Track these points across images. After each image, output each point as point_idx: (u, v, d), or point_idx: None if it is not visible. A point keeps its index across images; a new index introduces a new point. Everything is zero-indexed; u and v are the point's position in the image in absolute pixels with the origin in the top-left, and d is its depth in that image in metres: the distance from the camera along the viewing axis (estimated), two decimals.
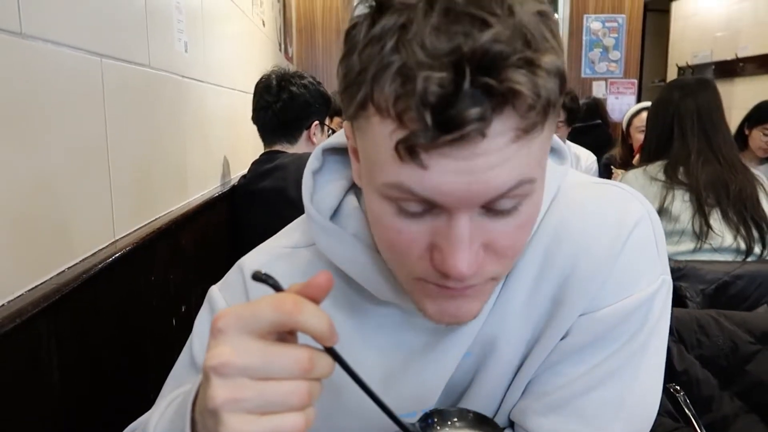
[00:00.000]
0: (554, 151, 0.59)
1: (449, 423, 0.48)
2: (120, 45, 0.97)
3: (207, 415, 0.38)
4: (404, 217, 0.44)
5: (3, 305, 0.64)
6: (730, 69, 5.67)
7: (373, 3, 0.42)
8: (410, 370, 0.58)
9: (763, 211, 1.54)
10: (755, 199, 1.54)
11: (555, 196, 0.57)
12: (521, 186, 0.42)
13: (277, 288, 0.39)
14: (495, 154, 0.39)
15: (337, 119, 2.57)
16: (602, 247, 0.54)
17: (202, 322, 0.62)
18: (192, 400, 0.43)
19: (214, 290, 0.63)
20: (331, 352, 0.39)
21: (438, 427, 0.47)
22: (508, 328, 0.57)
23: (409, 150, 0.39)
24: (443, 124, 0.37)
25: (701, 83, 1.67)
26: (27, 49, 0.70)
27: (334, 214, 0.58)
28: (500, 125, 0.39)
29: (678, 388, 1.06)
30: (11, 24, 0.66)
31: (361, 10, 0.43)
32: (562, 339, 0.56)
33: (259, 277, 0.39)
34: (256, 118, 1.72)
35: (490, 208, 0.43)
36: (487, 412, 0.63)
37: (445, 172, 0.40)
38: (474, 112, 0.37)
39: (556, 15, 0.45)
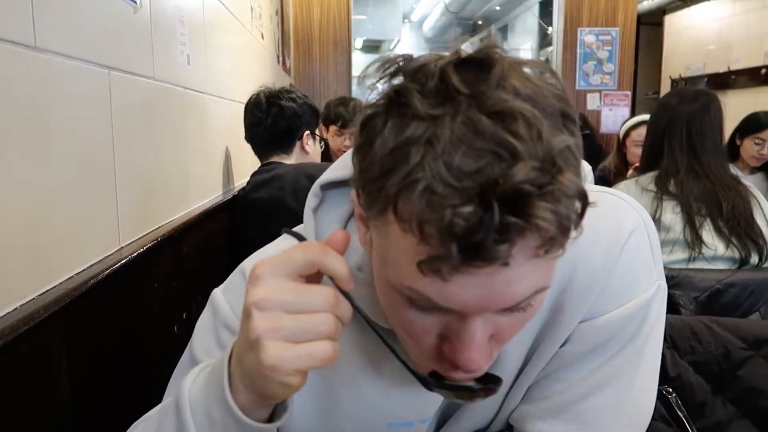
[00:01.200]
0: None
1: None
2: (127, 57, 1.00)
3: (247, 348, 0.43)
4: (416, 310, 0.45)
5: (16, 308, 0.66)
6: (723, 81, 5.75)
7: (394, 98, 0.41)
8: (410, 381, 0.60)
9: (758, 227, 1.53)
10: (749, 215, 1.53)
11: None
12: (536, 294, 0.44)
13: (302, 240, 0.48)
14: (515, 271, 0.40)
15: (333, 127, 2.60)
16: (599, 255, 0.56)
17: (203, 323, 0.64)
18: (228, 356, 0.47)
19: (217, 293, 0.64)
20: (347, 296, 0.45)
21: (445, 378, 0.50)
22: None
23: (431, 270, 0.39)
24: (468, 255, 0.38)
25: (695, 95, 1.66)
26: (40, 62, 0.72)
27: None
28: (522, 247, 0.39)
29: (670, 390, 1.08)
30: (27, 38, 0.69)
31: (377, 98, 0.43)
32: (561, 346, 0.58)
33: (288, 231, 0.49)
34: (250, 136, 1.78)
35: (504, 310, 0.44)
36: (486, 417, 0.64)
37: (466, 286, 0.40)
38: (500, 249, 0.37)
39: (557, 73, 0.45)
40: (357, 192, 0.46)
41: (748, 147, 2.63)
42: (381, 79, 0.43)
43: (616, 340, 0.57)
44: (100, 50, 0.89)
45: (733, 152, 2.68)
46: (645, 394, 0.59)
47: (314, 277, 0.46)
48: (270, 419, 0.50)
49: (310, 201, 0.61)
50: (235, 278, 0.65)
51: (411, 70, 0.42)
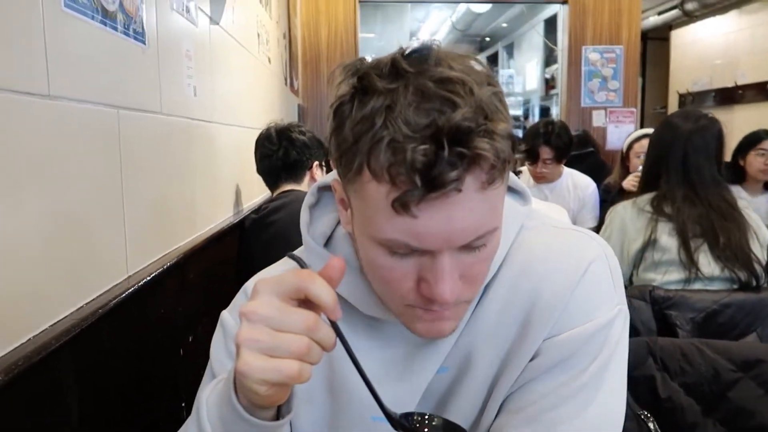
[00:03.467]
0: (518, 193, 0.70)
1: (427, 422, 0.55)
2: (134, 96, 1.06)
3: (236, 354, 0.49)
4: (395, 257, 0.54)
5: (29, 339, 0.71)
6: (730, 96, 5.76)
7: (357, 85, 0.52)
8: (390, 377, 0.65)
9: (753, 255, 1.54)
10: (745, 245, 1.54)
11: (519, 232, 0.66)
12: (488, 232, 0.54)
13: (303, 267, 0.54)
14: (468, 204, 0.50)
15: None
16: (562, 278, 0.63)
17: (215, 342, 0.71)
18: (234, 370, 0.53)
19: (225, 314, 0.72)
20: (334, 326, 0.50)
21: (417, 424, 0.55)
22: (481, 344, 0.65)
23: (402, 205, 0.49)
24: (429, 183, 0.48)
25: (697, 119, 1.66)
26: (54, 108, 0.78)
27: (327, 242, 0.68)
28: (471, 181, 0.49)
29: (648, 414, 1.11)
30: (41, 87, 0.75)
31: (344, 89, 0.53)
32: (531, 360, 0.63)
33: (291, 256, 0.56)
34: (261, 168, 1.89)
35: (464, 247, 0.54)
36: (465, 426, 0.69)
37: (431, 221, 0.50)
38: (453, 174, 0.48)
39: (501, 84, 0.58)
40: (336, 165, 0.55)
41: (753, 162, 2.64)
42: (345, 79, 0.53)
43: (581, 357, 0.62)
44: (110, 91, 0.95)
45: (739, 174, 2.69)
46: (611, 409, 0.64)
47: (312, 303, 0.50)
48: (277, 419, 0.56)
49: (308, 199, 0.70)
50: (238, 298, 0.73)
51: (368, 65, 0.53)
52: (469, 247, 0.54)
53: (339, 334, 0.50)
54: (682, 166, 1.62)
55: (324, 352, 0.54)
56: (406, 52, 0.52)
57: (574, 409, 0.62)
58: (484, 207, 0.52)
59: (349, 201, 0.57)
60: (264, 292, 0.49)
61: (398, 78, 0.50)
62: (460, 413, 0.66)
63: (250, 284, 0.73)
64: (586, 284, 0.63)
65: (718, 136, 1.66)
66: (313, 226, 0.69)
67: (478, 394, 0.66)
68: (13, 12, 0.70)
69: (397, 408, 0.66)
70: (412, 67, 0.50)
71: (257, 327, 0.48)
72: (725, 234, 1.55)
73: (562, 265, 0.64)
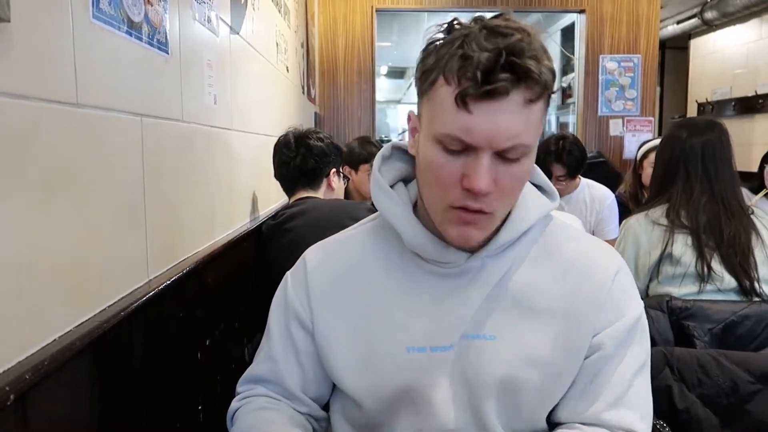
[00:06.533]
0: (546, 192, 0.83)
1: None
2: (157, 104, 1.08)
3: None
4: (447, 154, 0.68)
5: (55, 340, 0.73)
6: (750, 105, 5.69)
7: (446, 29, 0.70)
8: (430, 308, 0.77)
9: (753, 259, 1.55)
10: (746, 247, 1.55)
11: (547, 217, 0.83)
12: (522, 146, 0.67)
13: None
14: (511, 112, 0.65)
15: (365, 166, 2.60)
16: (597, 279, 0.78)
17: (276, 301, 0.86)
18: None
19: (288, 274, 0.87)
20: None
21: None
22: (538, 286, 0.78)
23: (462, 99, 0.65)
24: (486, 81, 0.63)
25: (708, 125, 1.70)
26: (81, 117, 0.80)
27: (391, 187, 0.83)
28: (517, 94, 0.65)
29: (663, 424, 1.10)
30: (70, 96, 0.77)
31: (433, 36, 0.71)
32: (586, 358, 0.76)
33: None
34: (279, 174, 1.91)
35: (502, 155, 0.67)
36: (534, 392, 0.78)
37: (481, 119, 0.65)
38: (504, 75, 0.63)
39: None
40: (417, 85, 0.72)
41: None
42: (437, 32, 0.70)
43: (627, 343, 0.77)
44: (134, 99, 0.98)
45: (761, 181, 2.67)
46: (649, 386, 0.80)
47: None
48: None
49: (384, 150, 0.84)
50: (299, 264, 0.87)
51: (455, 21, 0.70)
52: (505, 158, 0.67)
53: None
54: (702, 164, 1.63)
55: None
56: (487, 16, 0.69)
57: (639, 388, 0.77)
58: (524, 120, 0.66)
59: (420, 119, 0.73)
60: None
61: (476, 23, 0.67)
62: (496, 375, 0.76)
63: (309, 252, 0.86)
64: (618, 286, 0.78)
65: (729, 139, 1.68)
66: (383, 168, 0.83)
67: (516, 359, 0.76)
68: (44, 23, 0.72)
69: (435, 338, 0.76)
70: (489, 20, 0.67)
71: None
72: (731, 231, 1.56)
73: (596, 268, 0.79)
